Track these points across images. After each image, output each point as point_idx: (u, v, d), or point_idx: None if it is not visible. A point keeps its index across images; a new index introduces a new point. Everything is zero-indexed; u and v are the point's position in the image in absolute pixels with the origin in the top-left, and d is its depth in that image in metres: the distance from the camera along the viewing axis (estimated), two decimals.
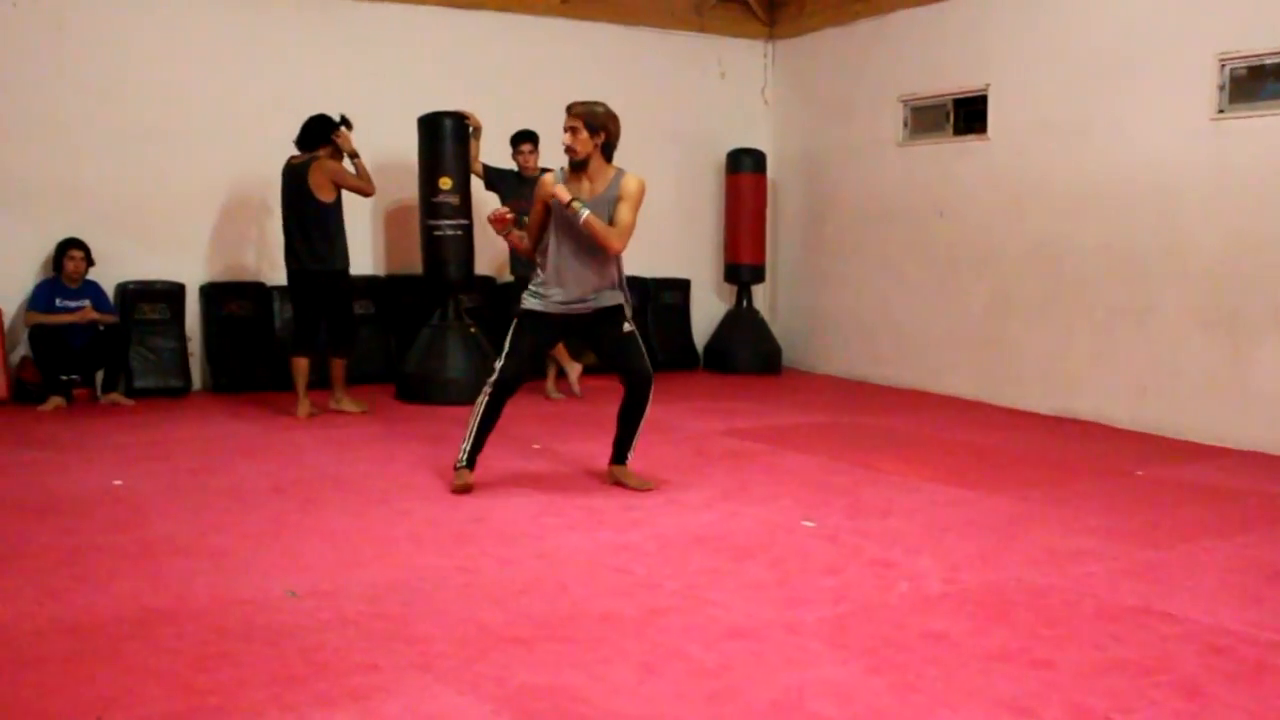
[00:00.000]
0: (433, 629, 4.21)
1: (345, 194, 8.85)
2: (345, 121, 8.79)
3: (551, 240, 6.41)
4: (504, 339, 6.57)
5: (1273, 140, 7.96)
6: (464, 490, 6.29)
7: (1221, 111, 8.31)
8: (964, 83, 10.39)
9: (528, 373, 6.58)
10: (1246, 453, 7.95)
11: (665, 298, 12.19)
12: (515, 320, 6.55)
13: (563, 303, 6.40)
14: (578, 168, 6.41)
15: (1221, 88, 8.32)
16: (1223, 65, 8.28)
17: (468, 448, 6.41)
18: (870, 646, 4.09)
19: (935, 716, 3.51)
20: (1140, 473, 7.29)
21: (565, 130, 6.41)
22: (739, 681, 3.74)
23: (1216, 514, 6.23)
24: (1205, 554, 5.43)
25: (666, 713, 3.50)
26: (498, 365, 6.43)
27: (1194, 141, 8.45)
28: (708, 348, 12.31)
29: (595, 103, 6.61)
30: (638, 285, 11.91)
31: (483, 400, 6.37)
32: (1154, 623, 4.41)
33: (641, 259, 11.91)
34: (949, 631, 4.25)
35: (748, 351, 12.07)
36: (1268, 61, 8.07)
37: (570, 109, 6.50)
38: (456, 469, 6.42)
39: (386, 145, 10.50)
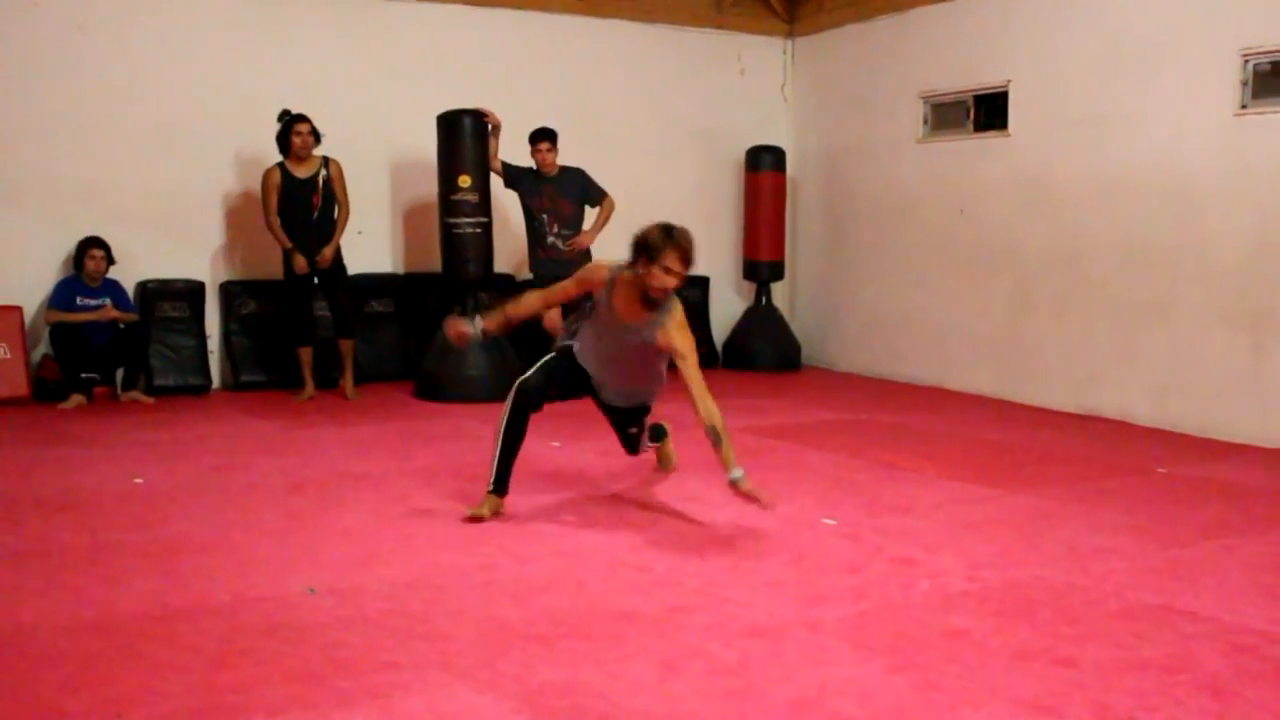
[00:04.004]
0: (452, 627, 4.21)
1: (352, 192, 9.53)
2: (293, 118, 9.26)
3: (590, 336, 6.04)
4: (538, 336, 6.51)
5: None
6: (492, 516, 5.73)
7: (1244, 107, 8.25)
8: (985, 79, 10.35)
9: (554, 398, 6.08)
10: (1269, 450, 7.89)
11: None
12: (557, 351, 6.18)
13: (599, 385, 6.14)
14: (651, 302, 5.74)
15: (1244, 83, 8.26)
16: (1246, 61, 8.23)
17: (496, 469, 5.78)
18: (891, 645, 4.07)
19: (957, 715, 3.49)
20: (1162, 470, 7.25)
21: (668, 273, 5.70)
22: (759, 680, 3.73)
23: (1239, 512, 6.19)
24: (1228, 552, 5.39)
25: (686, 711, 3.49)
26: (527, 374, 6.04)
27: (1216, 138, 8.40)
28: (727, 345, 12.28)
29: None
30: None
31: (506, 412, 5.87)
32: (1177, 621, 4.38)
33: None
34: (971, 630, 4.23)
35: (767, 349, 12.04)
36: None
37: (684, 252, 5.81)
38: (488, 494, 5.79)
39: (406, 143, 10.56)
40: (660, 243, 5.67)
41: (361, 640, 4.05)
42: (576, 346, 6.08)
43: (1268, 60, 8.14)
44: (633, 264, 5.67)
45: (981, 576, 4.91)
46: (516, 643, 4.05)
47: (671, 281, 5.69)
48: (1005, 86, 10.13)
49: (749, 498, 5.42)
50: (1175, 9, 8.69)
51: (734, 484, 5.44)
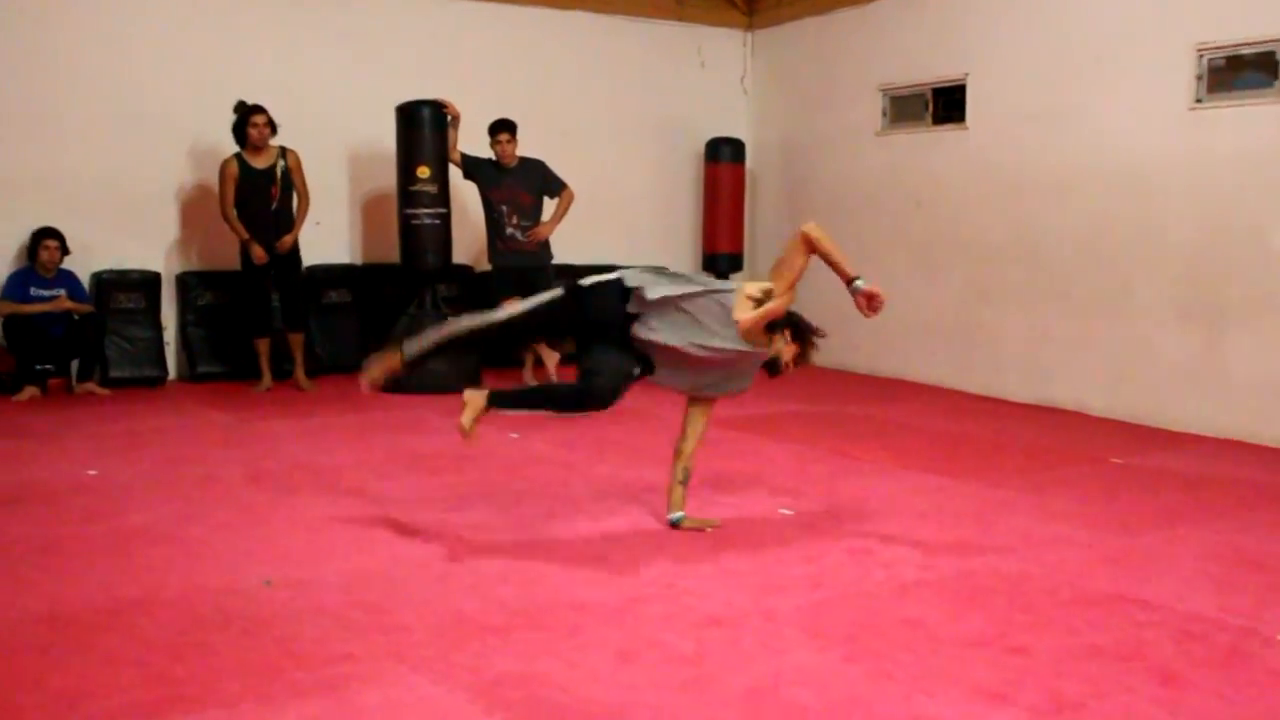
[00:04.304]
0: (409, 618, 4.20)
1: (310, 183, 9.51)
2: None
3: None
4: None
5: (1249, 130, 7.99)
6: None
7: (1199, 101, 8.33)
8: (943, 72, 10.40)
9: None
10: (1222, 440, 7.98)
11: None
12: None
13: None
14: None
15: (1199, 78, 8.33)
16: (1200, 55, 8.30)
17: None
18: (847, 633, 4.09)
19: (911, 703, 3.51)
20: (1117, 460, 7.32)
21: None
22: (715, 669, 3.74)
23: (1192, 501, 6.25)
24: (1180, 541, 5.45)
25: (642, 700, 3.49)
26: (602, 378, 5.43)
27: (1172, 131, 8.47)
28: None
29: None
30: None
31: (561, 405, 5.58)
32: (1129, 609, 4.43)
33: (619, 247, 11.92)
34: (925, 618, 4.26)
35: None
36: (1244, 52, 8.08)
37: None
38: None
39: (364, 134, 10.53)
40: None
41: (317, 632, 4.04)
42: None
43: (1222, 55, 8.21)
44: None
45: (936, 565, 4.95)
46: (473, 634, 4.05)
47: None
48: (963, 80, 10.18)
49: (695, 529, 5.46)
50: (1132, 4, 8.76)
51: (674, 524, 5.48)
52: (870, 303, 5.43)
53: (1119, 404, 8.83)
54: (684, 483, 5.50)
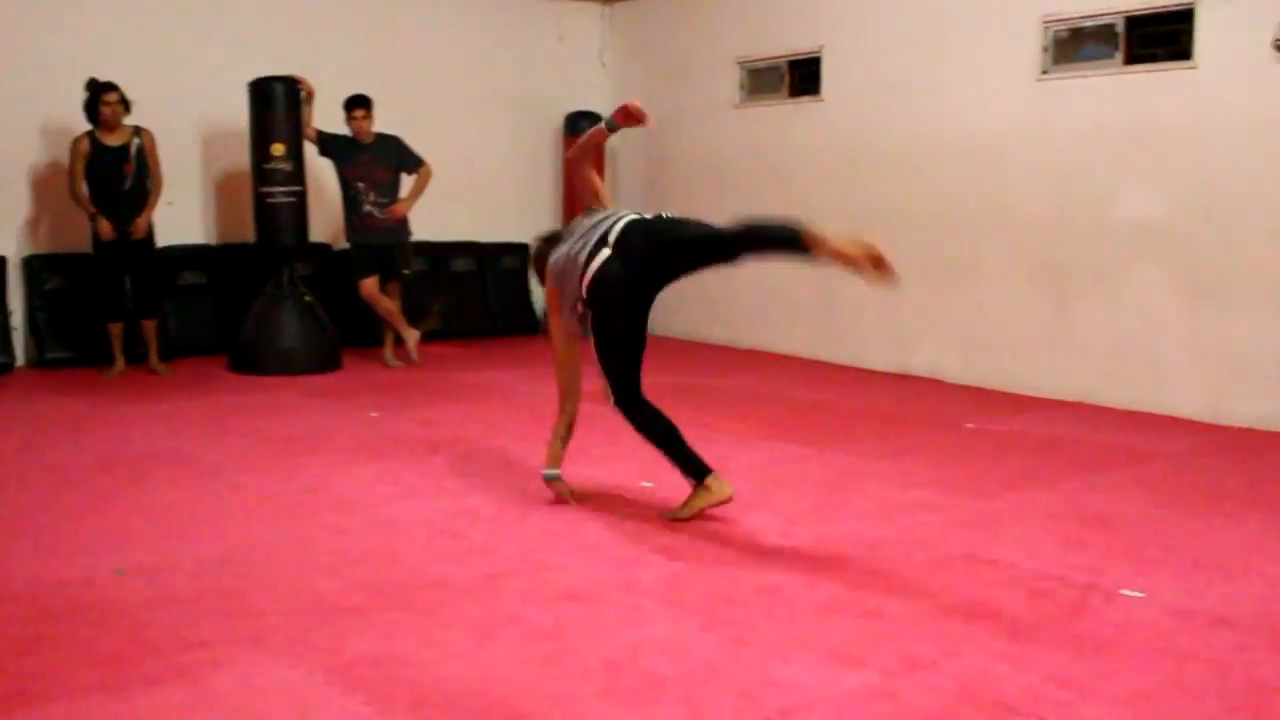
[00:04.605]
0: (265, 602, 4.14)
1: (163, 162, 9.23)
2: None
3: None
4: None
5: (1092, 100, 8.20)
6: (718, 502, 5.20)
7: (1045, 73, 8.52)
8: (798, 45, 10.49)
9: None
10: (1070, 403, 8.20)
11: (504, 263, 12.13)
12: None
13: None
14: None
15: (1045, 49, 8.52)
16: (1046, 27, 8.49)
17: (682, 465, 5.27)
18: (705, 603, 4.14)
19: (766, 668, 3.56)
20: (970, 425, 7.48)
21: None
22: (574, 643, 3.76)
23: (1041, 463, 6.42)
24: (1030, 502, 5.59)
25: (501, 676, 3.49)
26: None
27: (1020, 102, 8.66)
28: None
29: None
30: (475, 250, 11.89)
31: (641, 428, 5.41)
32: (980, 569, 4.54)
33: (479, 224, 11.89)
34: (782, 585, 4.32)
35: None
36: (1086, 24, 8.29)
37: None
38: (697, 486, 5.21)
39: (217, 111, 10.30)
40: None
41: (171, 619, 3.96)
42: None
43: (1066, 27, 8.40)
44: None
45: (794, 533, 5.02)
46: (330, 615, 4.01)
47: None
48: (818, 52, 10.28)
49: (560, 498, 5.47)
50: None
51: (548, 480, 5.49)
52: (630, 110, 5.37)
53: (972, 370, 9.03)
54: (565, 439, 5.51)
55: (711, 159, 11.40)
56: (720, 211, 11.06)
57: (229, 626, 3.90)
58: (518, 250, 12.15)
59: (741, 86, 11.15)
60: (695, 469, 5.21)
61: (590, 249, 5.15)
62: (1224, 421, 7.50)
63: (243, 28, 10.52)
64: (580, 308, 5.25)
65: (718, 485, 5.16)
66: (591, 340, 5.30)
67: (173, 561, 4.59)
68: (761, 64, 10.93)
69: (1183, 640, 3.82)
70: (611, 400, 5.31)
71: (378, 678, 3.48)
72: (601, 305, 5.16)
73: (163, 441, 6.87)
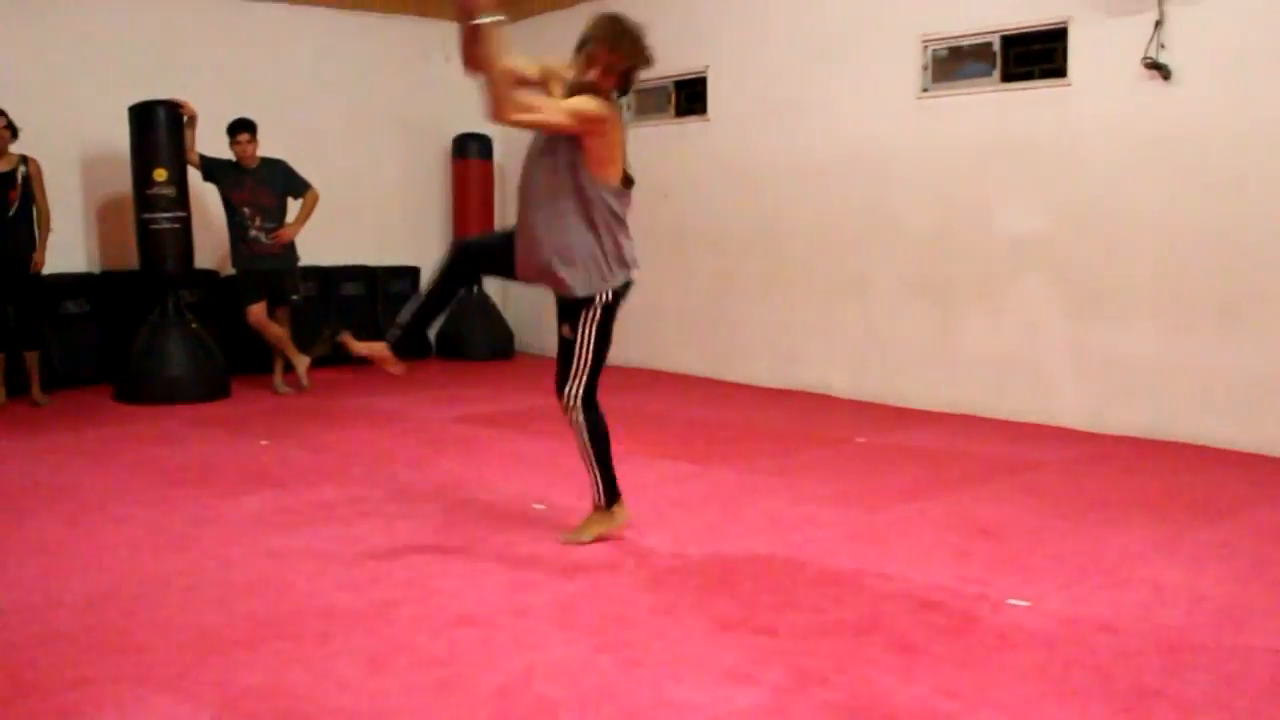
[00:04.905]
0: (151, 637, 4.05)
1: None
2: None
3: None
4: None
5: (972, 117, 8.36)
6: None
7: (926, 90, 8.67)
8: (684, 65, 10.56)
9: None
10: (958, 416, 8.34)
11: (394, 286, 12.05)
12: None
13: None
14: None
15: (925, 68, 8.68)
16: (926, 46, 8.64)
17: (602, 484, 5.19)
18: (598, 625, 4.13)
19: (660, 689, 3.56)
20: (861, 440, 7.56)
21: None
22: (466, 669, 3.73)
23: (930, 476, 6.51)
24: (919, 514, 5.66)
25: (391, 706, 3.45)
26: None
27: (901, 119, 8.80)
28: (439, 335, 12.23)
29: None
30: (366, 274, 11.80)
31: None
32: (871, 583, 4.58)
33: (368, 247, 11.80)
34: (675, 605, 4.32)
35: (479, 338, 12.06)
36: (964, 43, 8.45)
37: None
38: (601, 510, 5.22)
39: (97, 136, 10.13)
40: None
41: (53, 658, 3.86)
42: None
43: (945, 46, 8.56)
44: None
45: (686, 553, 5.02)
46: (218, 649, 3.93)
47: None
48: (704, 72, 10.36)
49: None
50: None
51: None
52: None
53: (861, 385, 9.14)
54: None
55: None
56: None
57: (114, 663, 3.81)
58: (408, 273, 12.10)
59: (628, 107, 11.19)
60: (611, 490, 5.19)
61: (628, 266, 5.22)
62: (1107, 430, 7.67)
63: (123, 51, 10.36)
64: (597, 313, 5.04)
65: (622, 512, 5.21)
66: (586, 341, 5.04)
67: (55, 598, 4.48)
68: (649, 83, 10.97)
69: (1068, 647, 3.89)
70: (573, 398, 5.07)
71: (267, 711, 3.42)
72: (611, 317, 5.06)
73: (45, 475, 6.71)
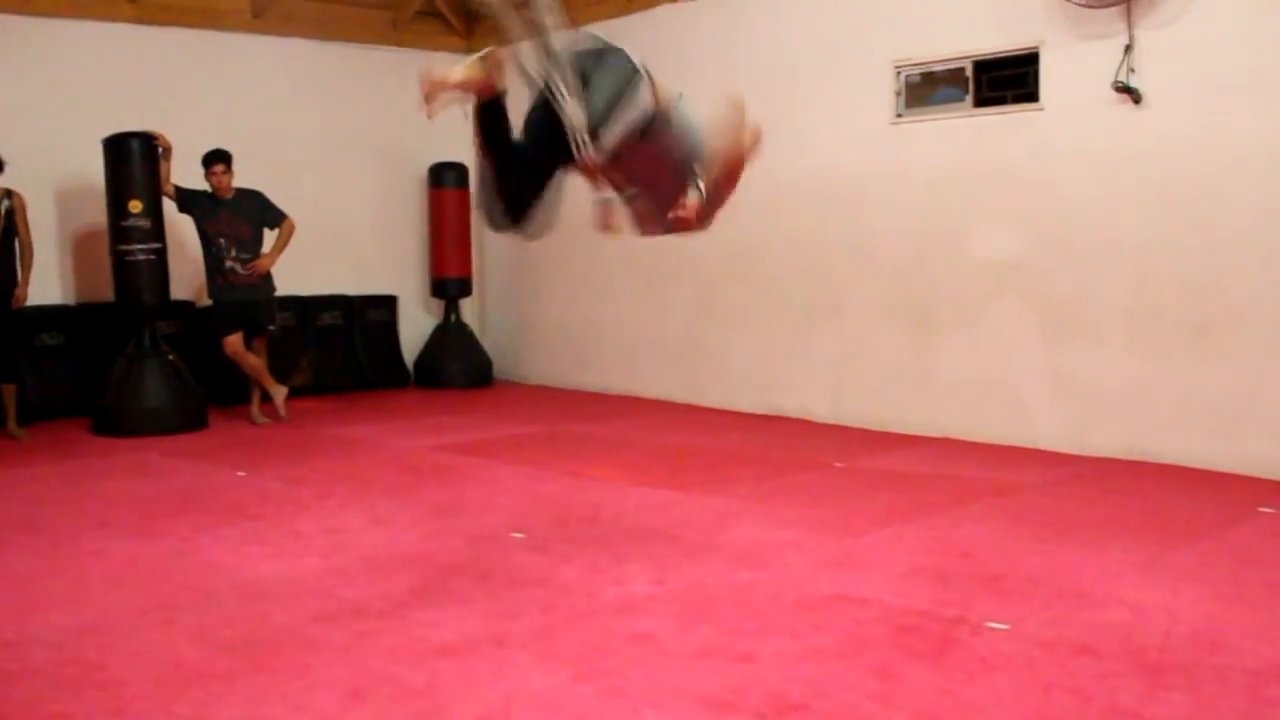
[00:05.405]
0: (128, 671, 4.03)
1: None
2: None
3: None
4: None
5: (943, 142, 8.42)
6: None
7: (899, 116, 8.72)
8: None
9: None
10: (935, 439, 8.36)
11: (372, 315, 12.04)
12: None
13: None
14: None
15: (898, 93, 8.73)
16: (898, 72, 8.69)
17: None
18: (577, 654, 4.12)
19: (639, 717, 3.55)
20: (839, 464, 7.57)
21: None
22: (446, 700, 3.71)
23: (908, 500, 6.51)
24: (898, 539, 5.67)
25: None
26: None
27: (876, 145, 8.84)
28: (417, 364, 12.22)
29: None
30: (343, 303, 11.78)
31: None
32: (850, 608, 4.58)
33: (346, 276, 11.79)
34: (654, 632, 4.32)
35: (457, 366, 12.05)
36: (936, 69, 8.51)
37: None
38: None
39: (72, 168, 10.10)
40: None
41: (27, 694, 3.84)
42: None
43: (918, 71, 8.61)
44: None
45: (666, 580, 5.02)
46: (196, 682, 3.91)
47: None
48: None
49: None
50: (834, 25, 9.12)
51: None
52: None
53: (840, 410, 9.16)
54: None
55: (576, 208, 11.39)
56: (589, 260, 11.18)
57: (90, 698, 3.79)
58: (385, 302, 12.10)
59: None
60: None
61: None
62: (1084, 452, 7.70)
63: (98, 83, 10.32)
64: None
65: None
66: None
67: (30, 633, 4.45)
68: None
69: (1047, 670, 3.90)
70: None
71: None
72: None
73: (21, 508, 6.66)
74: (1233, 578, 4.97)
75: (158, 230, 9.38)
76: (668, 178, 4.71)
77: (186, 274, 10.27)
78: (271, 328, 9.80)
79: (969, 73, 8.30)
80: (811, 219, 9.31)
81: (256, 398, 9.77)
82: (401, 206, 12.38)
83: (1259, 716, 3.54)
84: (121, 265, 9.34)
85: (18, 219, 8.85)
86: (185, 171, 9.48)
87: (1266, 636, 4.21)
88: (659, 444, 8.43)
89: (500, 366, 12.43)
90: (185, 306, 10.58)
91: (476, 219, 12.23)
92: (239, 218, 9.53)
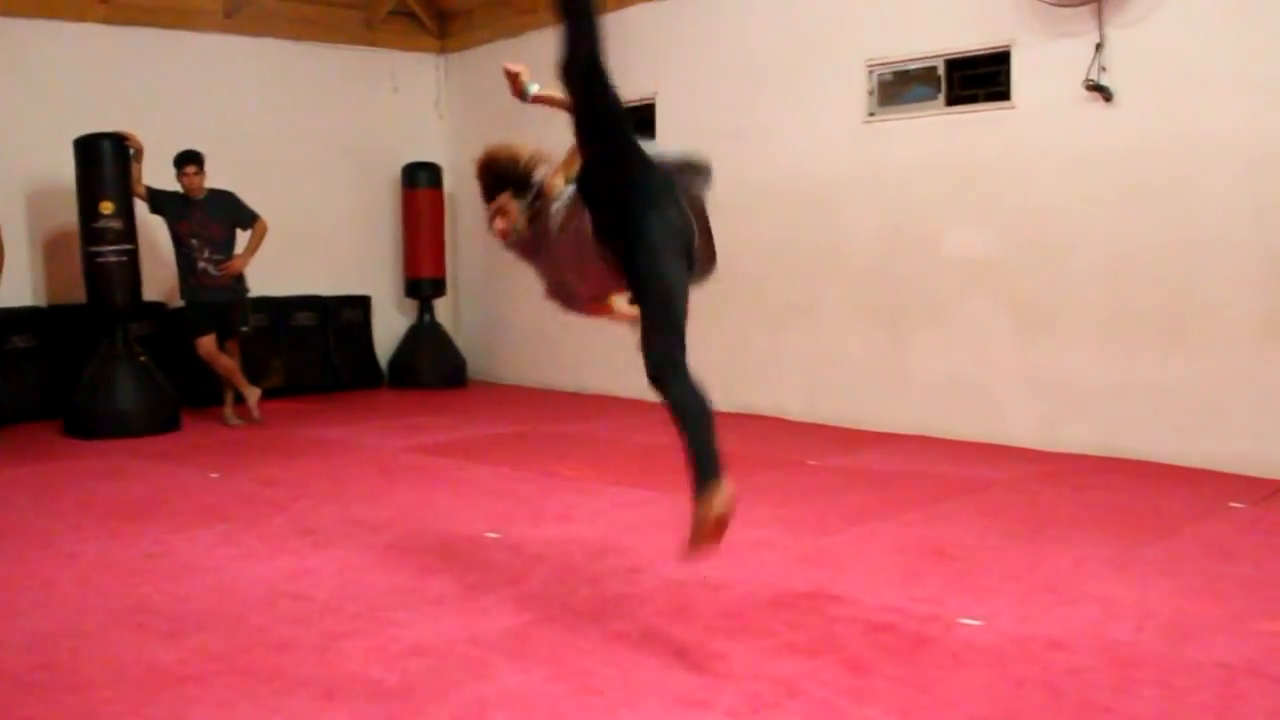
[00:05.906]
0: (100, 675, 4.01)
1: None
2: None
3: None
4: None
5: (918, 140, 8.44)
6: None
7: (872, 115, 8.74)
8: (633, 92, 10.55)
9: None
10: (908, 437, 8.38)
11: (345, 315, 12.00)
12: None
13: None
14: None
15: (871, 93, 8.75)
16: (871, 71, 8.71)
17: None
18: (552, 654, 4.11)
19: (614, 717, 3.56)
20: (812, 462, 7.59)
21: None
22: (420, 701, 3.70)
23: (882, 497, 6.53)
24: (872, 536, 5.69)
25: None
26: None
27: (849, 143, 8.87)
28: (391, 364, 12.21)
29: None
30: (316, 304, 11.75)
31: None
32: (824, 606, 4.59)
33: (319, 277, 11.75)
34: (629, 632, 4.32)
35: (431, 366, 12.04)
36: (909, 68, 8.53)
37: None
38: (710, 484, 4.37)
39: (42, 170, 10.04)
40: None
41: None
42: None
43: (890, 70, 8.63)
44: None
45: (640, 579, 5.02)
46: (169, 685, 3.89)
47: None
48: (652, 99, 10.39)
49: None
50: (807, 25, 9.13)
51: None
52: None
53: (814, 408, 9.17)
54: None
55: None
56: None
57: (61, 702, 3.77)
58: (359, 303, 12.07)
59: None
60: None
61: None
62: (1057, 449, 7.73)
63: (68, 83, 10.27)
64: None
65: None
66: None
67: (0, 637, 4.43)
68: None
69: (1020, 665, 3.91)
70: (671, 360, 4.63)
71: None
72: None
73: None
74: (1204, 573, 5.00)
75: (129, 231, 9.33)
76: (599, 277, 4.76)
77: (159, 275, 10.24)
78: (244, 329, 9.77)
79: (941, 71, 8.33)
80: (784, 218, 9.32)
81: (229, 399, 9.73)
82: (375, 207, 12.36)
83: (1229, 710, 3.56)
84: (93, 267, 9.29)
85: None
86: (157, 172, 9.44)
87: (1237, 631, 4.24)
88: (633, 443, 8.42)
89: (474, 366, 12.42)
90: (158, 308, 10.53)
91: (450, 218, 12.25)
92: (211, 219, 9.50)
